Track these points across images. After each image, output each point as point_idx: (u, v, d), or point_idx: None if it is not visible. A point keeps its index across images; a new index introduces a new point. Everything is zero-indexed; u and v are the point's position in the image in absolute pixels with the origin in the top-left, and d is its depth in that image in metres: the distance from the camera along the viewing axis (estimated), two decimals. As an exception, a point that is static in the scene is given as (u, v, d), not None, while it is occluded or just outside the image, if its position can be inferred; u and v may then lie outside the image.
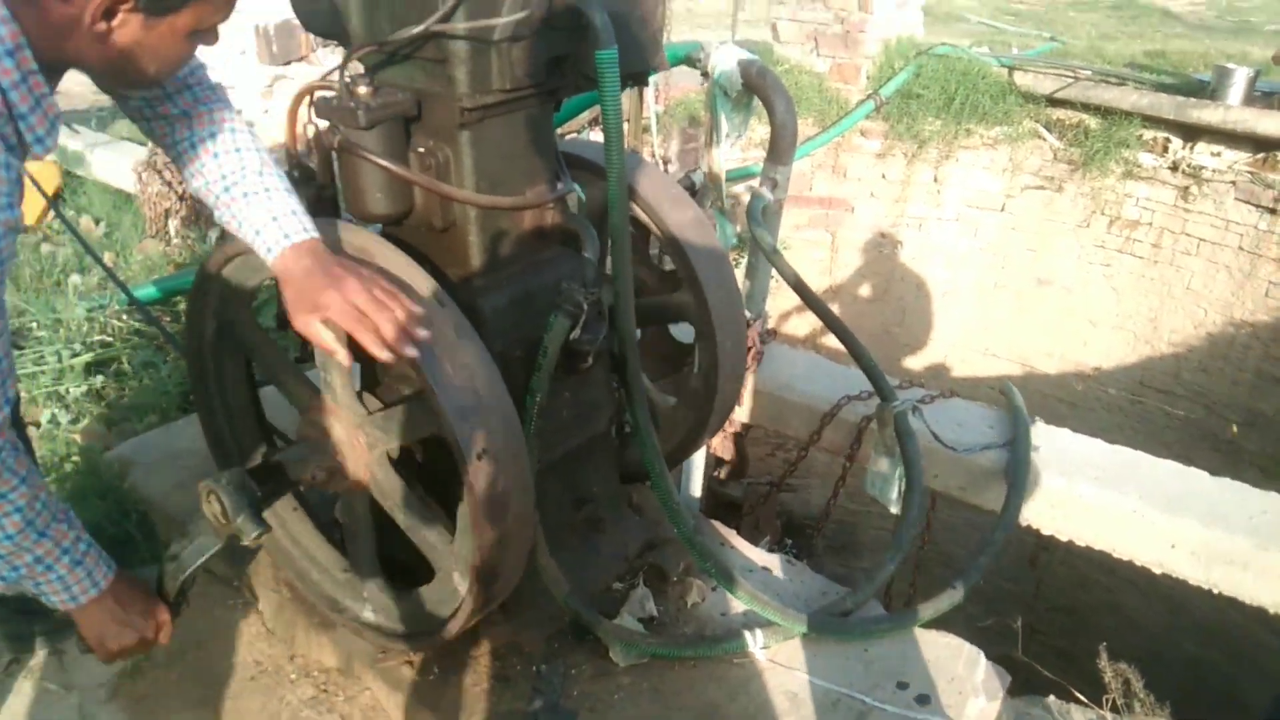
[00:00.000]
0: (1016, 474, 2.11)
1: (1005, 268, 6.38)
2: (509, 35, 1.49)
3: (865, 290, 6.82)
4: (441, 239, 1.65)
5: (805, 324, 6.28)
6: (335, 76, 1.55)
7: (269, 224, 1.38)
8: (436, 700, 1.71)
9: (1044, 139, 5.89)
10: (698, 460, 2.53)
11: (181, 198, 3.58)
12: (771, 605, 1.84)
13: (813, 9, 6.12)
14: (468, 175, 1.58)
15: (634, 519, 2.05)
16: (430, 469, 1.73)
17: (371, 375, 1.78)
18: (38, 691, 1.86)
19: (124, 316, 2.98)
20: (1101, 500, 2.07)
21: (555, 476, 1.84)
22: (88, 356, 2.74)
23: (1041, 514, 2.15)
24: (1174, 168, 5.47)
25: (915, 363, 6.85)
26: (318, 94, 1.59)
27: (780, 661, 1.80)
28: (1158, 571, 2.06)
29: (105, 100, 6.18)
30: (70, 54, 1.14)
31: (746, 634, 1.82)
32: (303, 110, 1.68)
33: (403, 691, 1.73)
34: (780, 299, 6.47)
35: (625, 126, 3.67)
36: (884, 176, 6.32)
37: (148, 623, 1.46)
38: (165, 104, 1.41)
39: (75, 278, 3.49)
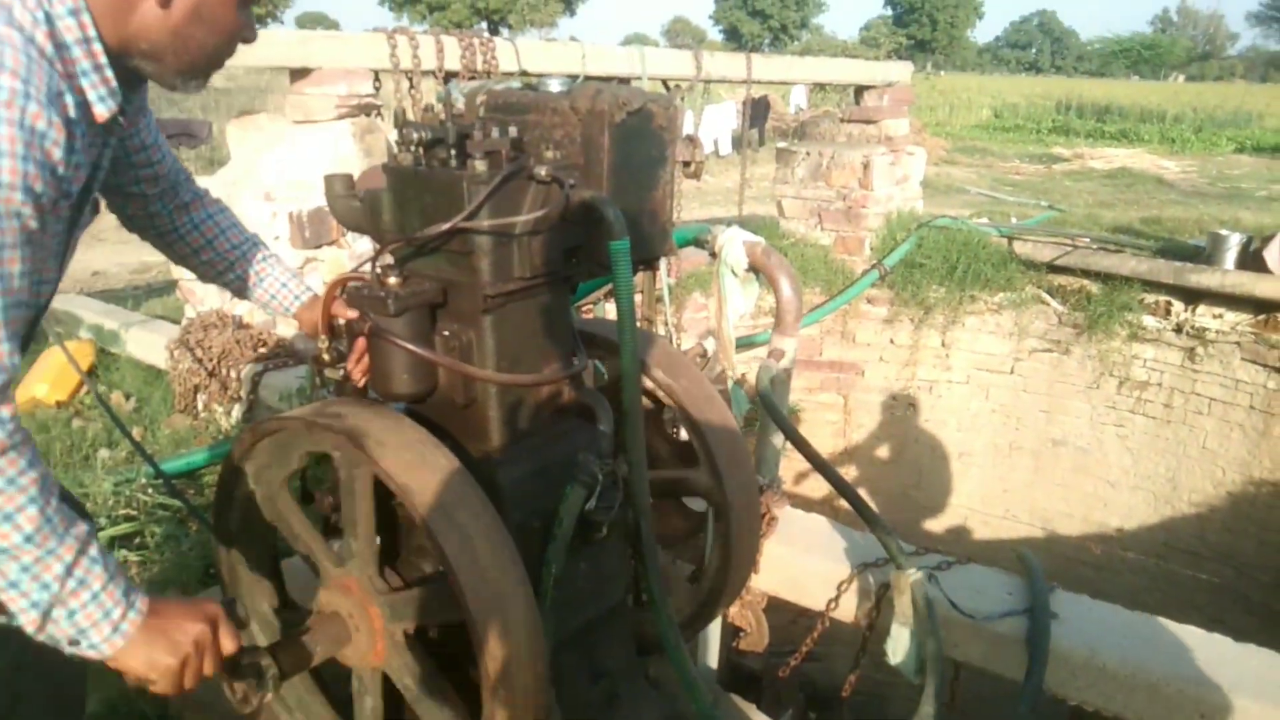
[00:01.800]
0: (1037, 643, 2.09)
1: (1019, 429, 6.42)
2: (529, 230, 1.61)
3: (881, 452, 6.85)
4: (463, 415, 1.72)
5: (820, 485, 6.28)
6: (366, 268, 1.67)
7: (290, 282, 1.85)
8: None
9: (1047, 304, 6.05)
10: (714, 631, 2.52)
11: (212, 374, 3.71)
12: (793, 783, 1.80)
13: (816, 187, 6.43)
14: (489, 356, 1.67)
15: (651, 693, 2.03)
16: (445, 648, 1.74)
17: (392, 549, 1.81)
18: None
19: (150, 490, 3.05)
20: (1125, 669, 2.05)
21: (572, 650, 1.85)
22: (113, 530, 2.79)
23: (1065, 684, 2.11)
24: (1178, 329, 5.59)
25: (935, 525, 6.79)
26: (350, 284, 1.70)
27: (804, 845, 1.74)
28: (1188, 744, 2.01)
29: (141, 280, 6.44)
30: (134, 33, 1.22)
31: (768, 815, 1.77)
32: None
33: None
34: (796, 461, 6.51)
35: (639, 298, 3.83)
36: (892, 341, 6.47)
37: (201, 622, 1.26)
38: (182, 191, 1.71)
39: (104, 452, 3.59)
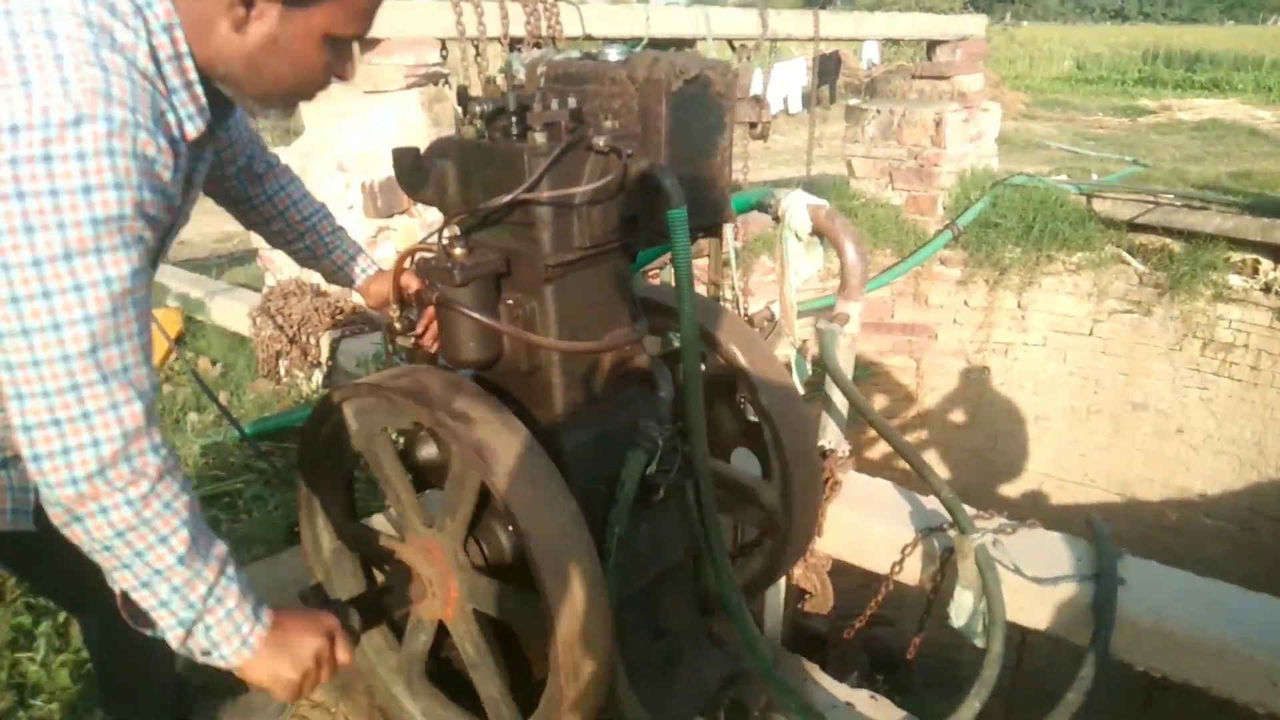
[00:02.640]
0: (1102, 608, 2.07)
1: (1098, 392, 6.28)
2: (588, 200, 1.64)
3: (955, 416, 6.77)
4: (528, 381, 1.77)
5: (886, 449, 6.25)
6: (434, 239, 1.72)
7: (358, 255, 1.91)
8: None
9: (1128, 263, 5.88)
10: (777, 593, 2.55)
11: (292, 340, 3.84)
12: (852, 741, 1.84)
13: (886, 146, 6.33)
14: (551, 324, 1.71)
15: (714, 652, 2.07)
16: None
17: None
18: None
19: (237, 452, 3.19)
20: (1192, 635, 2.02)
21: (635, 608, 1.90)
22: (202, 491, 2.94)
23: (1131, 650, 2.10)
24: (1266, 289, 5.39)
25: (1010, 489, 6.70)
26: (418, 255, 1.76)
27: (861, 800, 1.78)
28: (1261, 712, 1.98)
29: (224, 249, 6.67)
30: (213, 55, 1.19)
31: (826, 770, 1.82)
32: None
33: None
34: (862, 425, 6.47)
35: (706, 263, 3.85)
36: (966, 303, 6.36)
37: (321, 637, 1.33)
38: (255, 162, 1.76)
39: (193, 415, 3.75)
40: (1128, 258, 5.86)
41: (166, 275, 5.13)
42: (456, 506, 1.66)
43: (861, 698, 2.08)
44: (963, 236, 6.06)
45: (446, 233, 1.73)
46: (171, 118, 1.16)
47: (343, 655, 1.36)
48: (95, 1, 1.07)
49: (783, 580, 2.65)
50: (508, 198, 1.58)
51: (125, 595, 1.19)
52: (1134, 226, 5.76)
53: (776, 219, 2.76)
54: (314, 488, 1.93)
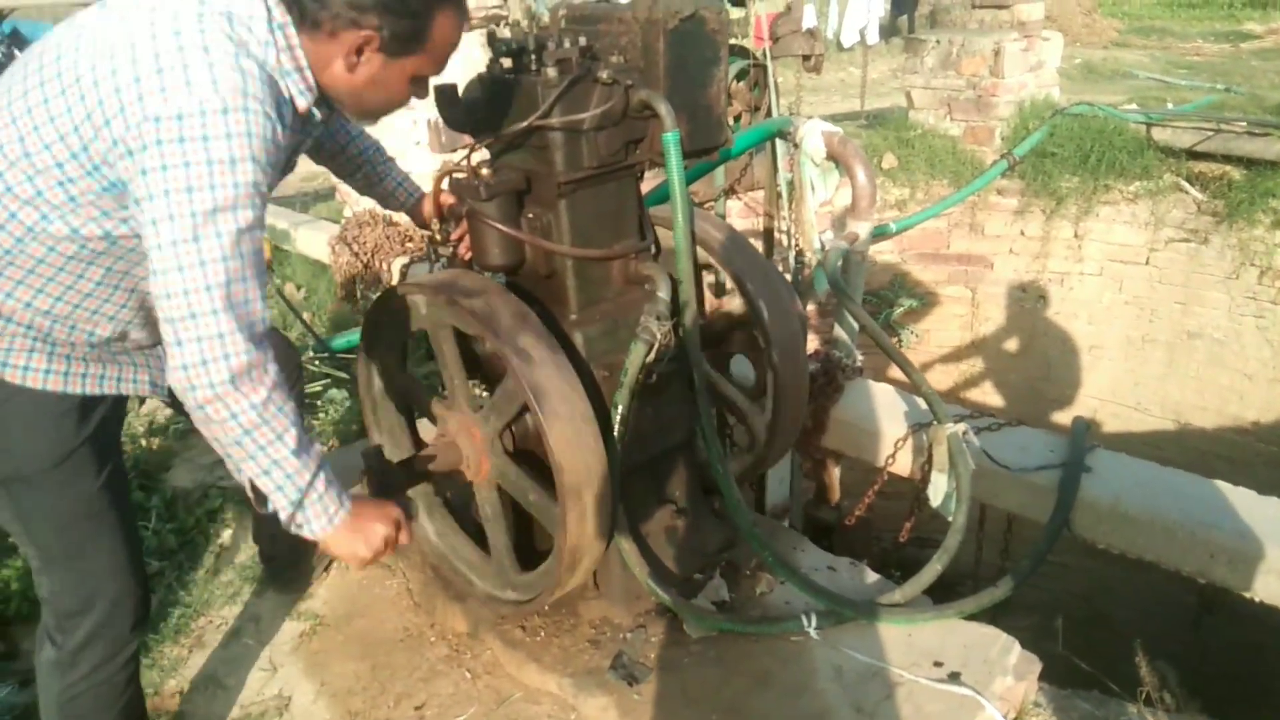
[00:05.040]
0: (1064, 490, 2.31)
1: (1153, 321, 6.31)
2: (595, 125, 1.92)
3: (1009, 345, 6.87)
4: (547, 283, 2.08)
5: (945, 375, 6.43)
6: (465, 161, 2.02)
7: (405, 182, 2.20)
8: (540, 656, 2.10)
9: (1186, 192, 5.87)
10: (780, 480, 2.83)
11: (366, 266, 4.23)
12: (824, 591, 2.13)
13: (945, 76, 6.38)
14: (565, 233, 2.01)
15: (714, 521, 2.38)
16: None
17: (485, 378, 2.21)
18: (238, 645, 2.37)
19: (318, 362, 3.59)
20: (1145, 515, 2.24)
21: (643, 479, 2.22)
22: (287, 393, 3.36)
23: (1091, 529, 2.33)
24: (1326, 216, 5.35)
25: (1063, 418, 6.80)
26: (453, 175, 2.07)
27: (830, 641, 2.09)
28: (1201, 581, 2.21)
29: (308, 187, 7.08)
30: (327, 82, 1.55)
31: (803, 616, 2.12)
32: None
33: (516, 649, 2.14)
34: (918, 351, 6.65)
35: (761, 194, 4.07)
36: (1023, 233, 6.43)
37: (389, 525, 1.62)
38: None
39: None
40: (1186, 186, 5.85)
41: (258, 209, 5.55)
42: (502, 412, 1.98)
43: (842, 564, 2.37)
44: (1019, 166, 6.11)
45: (475, 156, 2.04)
46: (287, 94, 1.50)
47: (404, 539, 1.67)
48: (237, 23, 1.41)
49: (787, 470, 2.94)
50: (524, 123, 1.88)
51: (252, 483, 1.48)
52: (1193, 154, 5.75)
53: (795, 145, 3.00)
54: (372, 349, 2.28)
